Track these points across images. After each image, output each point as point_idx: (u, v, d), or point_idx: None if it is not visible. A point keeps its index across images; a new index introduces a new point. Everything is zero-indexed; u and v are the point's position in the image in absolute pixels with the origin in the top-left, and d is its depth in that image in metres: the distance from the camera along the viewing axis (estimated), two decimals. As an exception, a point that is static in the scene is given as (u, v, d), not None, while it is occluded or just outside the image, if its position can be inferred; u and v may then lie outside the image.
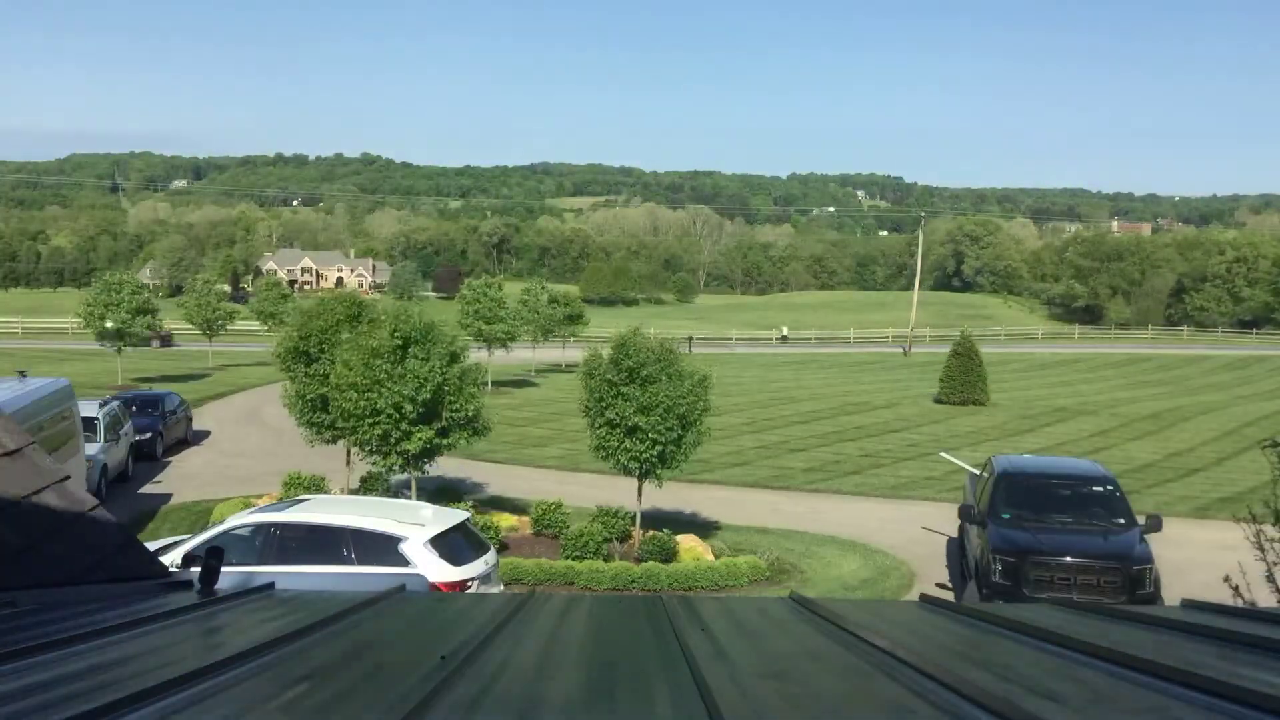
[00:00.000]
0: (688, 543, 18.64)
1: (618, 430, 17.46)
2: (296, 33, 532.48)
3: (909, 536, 20.59)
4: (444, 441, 18.31)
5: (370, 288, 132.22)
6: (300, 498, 15.70)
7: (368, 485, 21.01)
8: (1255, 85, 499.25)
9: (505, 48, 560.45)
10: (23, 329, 73.63)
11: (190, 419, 30.75)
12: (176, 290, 61.38)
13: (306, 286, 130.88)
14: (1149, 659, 2.41)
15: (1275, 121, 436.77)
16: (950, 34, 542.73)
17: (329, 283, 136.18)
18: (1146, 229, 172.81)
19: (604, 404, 17.57)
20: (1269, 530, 11.26)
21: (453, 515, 13.72)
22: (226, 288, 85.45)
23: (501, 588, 13.17)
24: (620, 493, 19.31)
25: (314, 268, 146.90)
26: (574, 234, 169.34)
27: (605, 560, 17.25)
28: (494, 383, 38.88)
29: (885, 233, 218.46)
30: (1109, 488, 15.97)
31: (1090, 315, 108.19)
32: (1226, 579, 10.34)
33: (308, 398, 20.59)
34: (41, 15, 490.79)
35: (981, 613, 3.57)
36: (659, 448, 17.39)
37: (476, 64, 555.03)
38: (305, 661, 2.59)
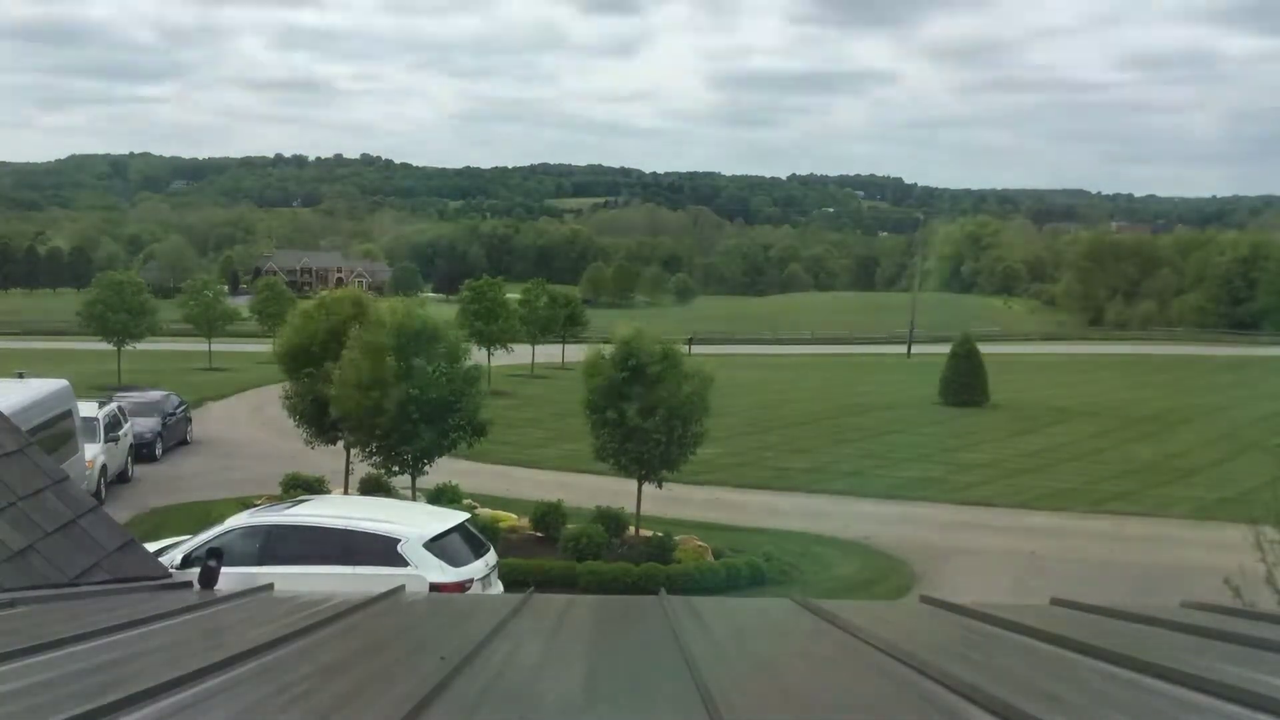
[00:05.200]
0: (688, 543, 18.63)
1: (619, 431, 17.46)
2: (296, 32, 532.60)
3: (910, 538, 20.57)
4: (445, 442, 18.31)
5: (370, 288, 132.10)
6: (299, 498, 15.69)
7: (368, 486, 21.00)
8: (1255, 85, 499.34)
9: (505, 46, 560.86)
10: (22, 329, 73.61)
11: (190, 420, 30.72)
12: (176, 291, 61.22)
13: (306, 287, 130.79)
14: (1149, 659, 2.40)
15: (1275, 123, 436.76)
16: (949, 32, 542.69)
17: (329, 284, 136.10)
18: (1146, 230, 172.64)
19: (605, 405, 17.57)
20: (1269, 532, 11.26)
21: (452, 516, 13.72)
22: (225, 288, 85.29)
23: (501, 588, 13.17)
24: (620, 494, 19.30)
25: (314, 268, 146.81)
26: (574, 235, 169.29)
27: (605, 561, 17.24)
28: (494, 384, 38.85)
29: (885, 234, 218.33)
30: None
31: (1090, 316, 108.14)
32: (1226, 580, 10.34)
33: (308, 398, 20.59)
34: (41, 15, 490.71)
35: (981, 613, 3.57)
36: (660, 449, 17.38)
37: (475, 63, 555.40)
38: (305, 661, 2.59)
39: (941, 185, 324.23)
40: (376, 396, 17.53)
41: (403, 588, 4.46)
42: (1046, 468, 29.33)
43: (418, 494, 19.57)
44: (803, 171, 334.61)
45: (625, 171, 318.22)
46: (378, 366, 17.63)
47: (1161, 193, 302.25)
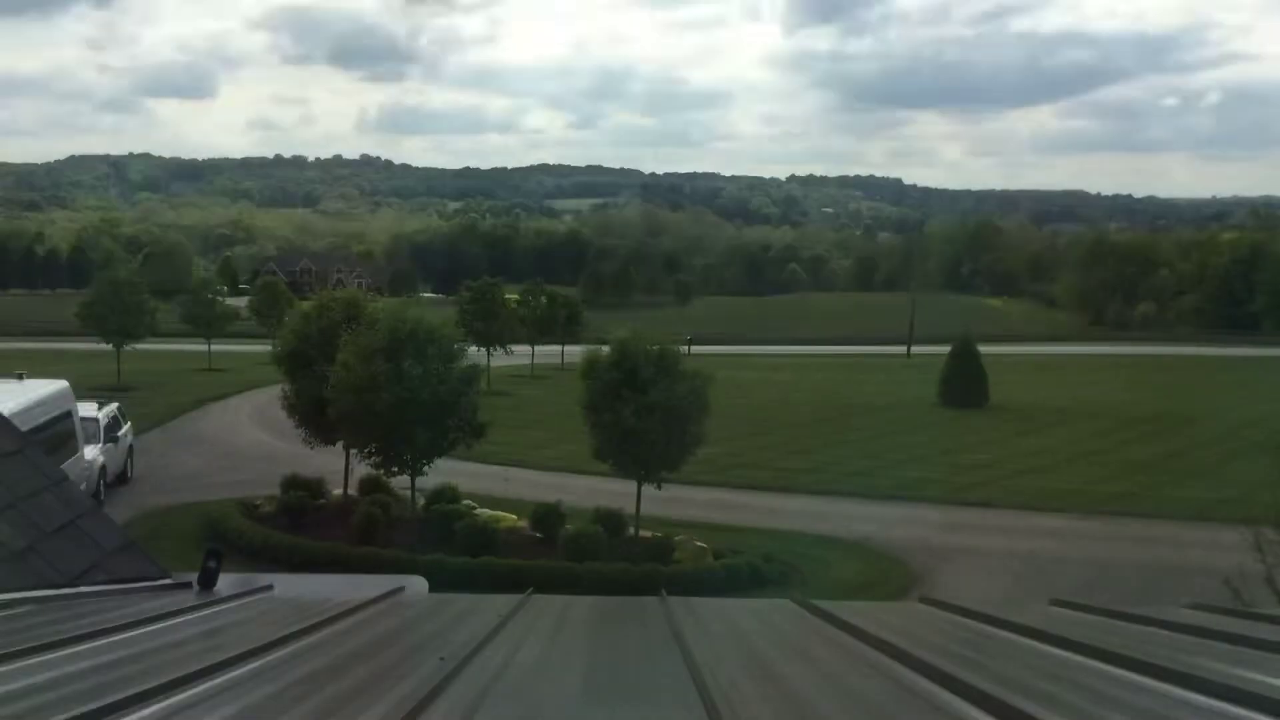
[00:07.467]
0: (688, 544, 18.64)
1: (617, 432, 17.47)
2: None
3: (910, 538, 20.58)
4: (443, 443, 18.32)
5: (369, 289, 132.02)
6: None
7: (368, 487, 21.00)
8: (1255, 86, 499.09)
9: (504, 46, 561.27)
10: (22, 329, 73.54)
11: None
12: (176, 291, 61.20)
13: (305, 288, 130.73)
14: (1149, 659, 2.40)
15: (1275, 124, 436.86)
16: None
17: (328, 284, 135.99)
18: (1146, 230, 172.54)
19: (603, 406, 17.58)
20: (1268, 532, 11.27)
21: None
22: (225, 288, 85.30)
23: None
24: (620, 494, 19.30)
25: (313, 269, 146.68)
26: (573, 235, 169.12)
27: (605, 561, 17.24)
28: (493, 384, 38.83)
29: (885, 234, 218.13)
30: None
31: (1090, 316, 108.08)
32: (1226, 580, 10.36)
33: (307, 400, 20.60)
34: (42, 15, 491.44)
35: (981, 613, 3.57)
36: (658, 449, 17.40)
37: (474, 64, 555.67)
38: (305, 661, 2.59)
39: (941, 186, 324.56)
40: (371, 399, 17.54)
41: (403, 588, 4.44)
42: (1046, 468, 29.32)
43: (417, 494, 19.58)
44: (802, 172, 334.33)
45: (625, 172, 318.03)
46: (371, 369, 17.64)
47: (1162, 193, 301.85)
